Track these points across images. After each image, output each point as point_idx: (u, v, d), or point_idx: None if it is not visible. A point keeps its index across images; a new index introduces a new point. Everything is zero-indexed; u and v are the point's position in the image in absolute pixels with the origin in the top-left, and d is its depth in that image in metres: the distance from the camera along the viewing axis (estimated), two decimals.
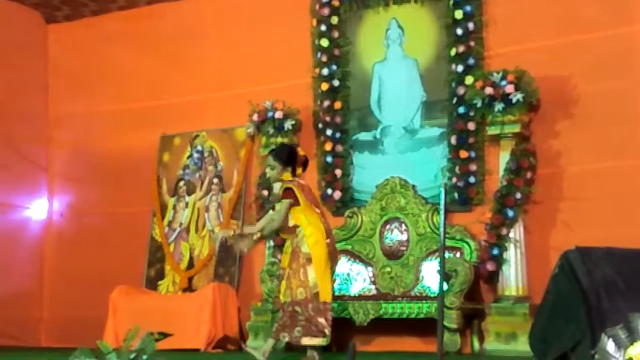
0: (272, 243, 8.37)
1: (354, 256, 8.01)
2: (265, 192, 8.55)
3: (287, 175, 6.07)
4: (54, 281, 10.19)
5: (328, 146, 8.54)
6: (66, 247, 10.16)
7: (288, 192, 5.96)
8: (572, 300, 3.55)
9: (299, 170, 6.15)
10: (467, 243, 7.58)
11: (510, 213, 7.28)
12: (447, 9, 8.11)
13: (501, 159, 7.44)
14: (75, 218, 10.29)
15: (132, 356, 3.01)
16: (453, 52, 8.01)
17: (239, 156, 9.16)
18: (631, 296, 3.49)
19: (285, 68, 8.85)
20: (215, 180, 9.29)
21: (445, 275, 6.93)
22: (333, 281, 6.16)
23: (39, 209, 10.38)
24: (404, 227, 7.90)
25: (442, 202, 3.89)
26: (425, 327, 7.06)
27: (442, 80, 8.11)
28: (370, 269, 7.94)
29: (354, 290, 7.91)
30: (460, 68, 7.93)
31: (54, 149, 10.55)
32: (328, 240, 5.99)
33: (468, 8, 7.98)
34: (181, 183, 9.51)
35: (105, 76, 10.20)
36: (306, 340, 5.93)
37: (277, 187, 6.52)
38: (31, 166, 10.34)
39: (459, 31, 7.97)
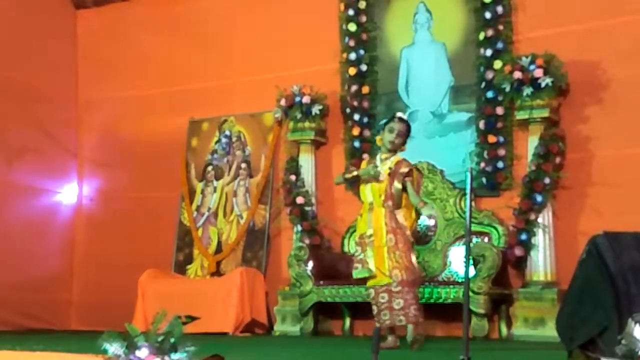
0: (299, 227, 8.39)
1: None
2: (293, 177, 8.56)
3: (403, 148, 6.02)
4: (84, 265, 10.29)
5: (355, 131, 8.53)
6: (96, 232, 10.25)
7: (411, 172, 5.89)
8: (600, 286, 3.52)
9: (404, 147, 6.06)
10: (495, 228, 7.56)
11: (539, 198, 7.24)
12: None
13: (530, 143, 7.39)
14: (104, 202, 10.37)
15: (159, 339, 3.03)
16: (481, 36, 7.95)
17: (267, 141, 9.18)
18: None
19: (313, 53, 8.84)
20: (243, 165, 9.32)
21: (473, 260, 6.92)
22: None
23: (69, 194, 10.47)
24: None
25: (468, 186, 3.87)
26: (453, 312, 7.06)
27: (470, 64, 8.05)
28: None
29: None
30: (488, 52, 7.87)
31: (84, 133, 10.63)
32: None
33: None
34: (209, 168, 9.55)
35: (133, 61, 10.25)
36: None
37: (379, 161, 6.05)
38: (61, 151, 10.42)
39: (488, 15, 7.90)
